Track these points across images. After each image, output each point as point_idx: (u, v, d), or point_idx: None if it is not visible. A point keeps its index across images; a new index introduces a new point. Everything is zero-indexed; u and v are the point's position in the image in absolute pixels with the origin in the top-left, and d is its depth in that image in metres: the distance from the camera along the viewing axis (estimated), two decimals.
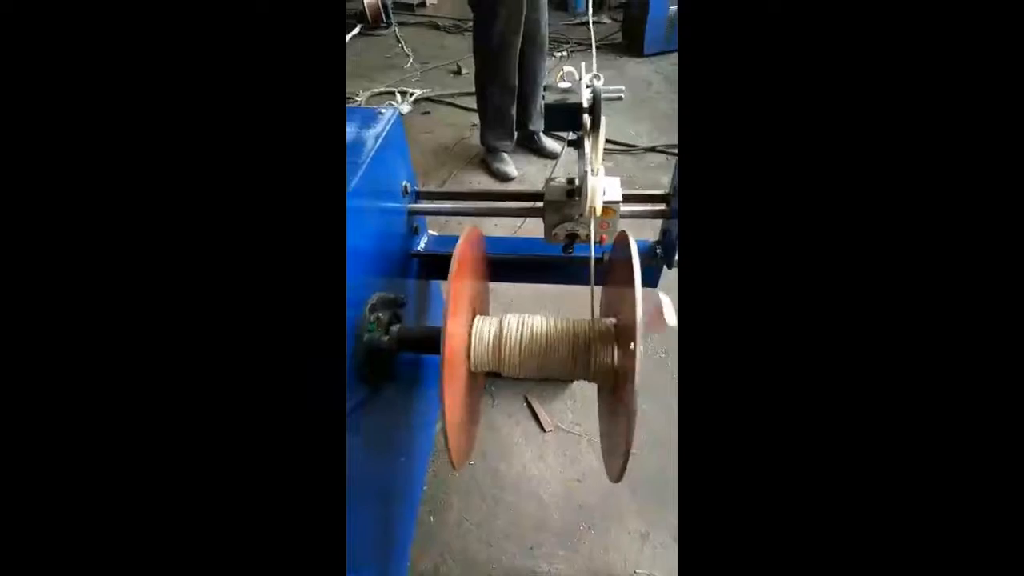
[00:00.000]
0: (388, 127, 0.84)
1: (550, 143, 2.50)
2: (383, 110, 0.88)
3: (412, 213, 0.98)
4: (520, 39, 2.08)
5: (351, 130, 0.83)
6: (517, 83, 2.22)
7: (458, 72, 3.35)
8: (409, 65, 3.49)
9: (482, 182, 2.39)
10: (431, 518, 1.23)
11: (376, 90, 3.13)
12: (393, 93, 3.10)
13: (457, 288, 0.66)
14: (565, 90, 0.76)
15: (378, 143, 0.79)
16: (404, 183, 0.94)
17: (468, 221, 1.42)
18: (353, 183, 0.69)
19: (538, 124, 2.45)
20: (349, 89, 3.14)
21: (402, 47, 3.70)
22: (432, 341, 0.79)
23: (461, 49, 3.60)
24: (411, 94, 3.06)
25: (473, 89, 2.37)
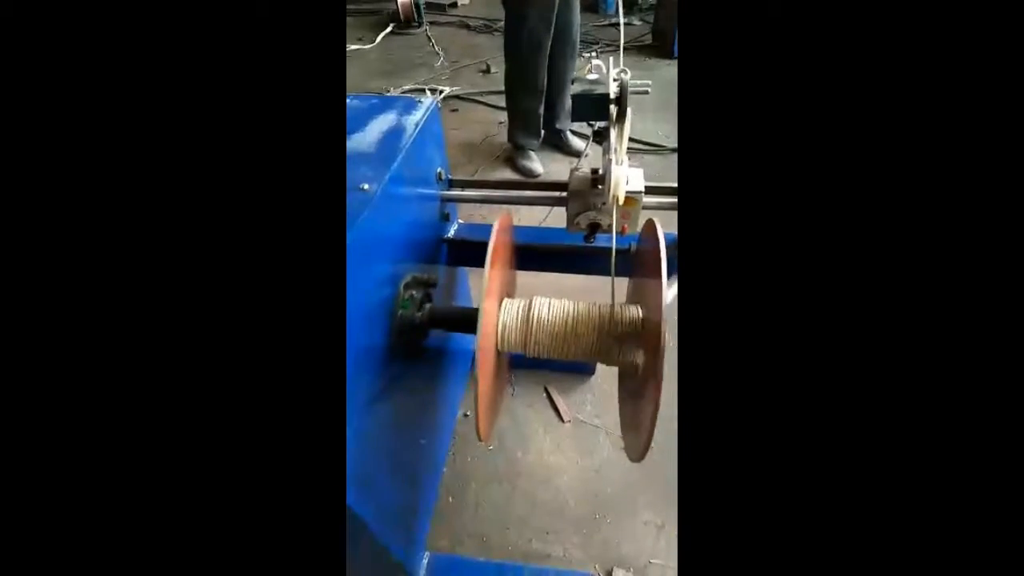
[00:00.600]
0: (426, 115, 0.87)
1: (576, 141, 2.51)
2: (422, 99, 0.91)
3: (445, 200, 1.01)
4: (551, 39, 2.10)
5: (392, 117, 0.86)
6: (546, 85, 2.24)
7: (487, 71, 3.39)
8: (439, 63, 3.55)
9: (508, 178, 2.43)
10: (450, 499, 1.26)
11: (406, 87, 3.20)
12: (423, 90, 3.16)
13: (494, 267, 0.68)
14: (593, 81, 0.79)
15: (417, 130, 0.82)
16: (439, 170, 0.97)
17: (495, 210, 1.46)
18: (393, 168, 0.72)
19: (565, 123, 2.47)
20: (381, 85, 3.21)
21: (433, 46, 3.76)
22: (460, 320, 0.83)
23: (490, 48, 3.65)
24: (441, 91, 3.12)
25: (501, 87, 2.41)
